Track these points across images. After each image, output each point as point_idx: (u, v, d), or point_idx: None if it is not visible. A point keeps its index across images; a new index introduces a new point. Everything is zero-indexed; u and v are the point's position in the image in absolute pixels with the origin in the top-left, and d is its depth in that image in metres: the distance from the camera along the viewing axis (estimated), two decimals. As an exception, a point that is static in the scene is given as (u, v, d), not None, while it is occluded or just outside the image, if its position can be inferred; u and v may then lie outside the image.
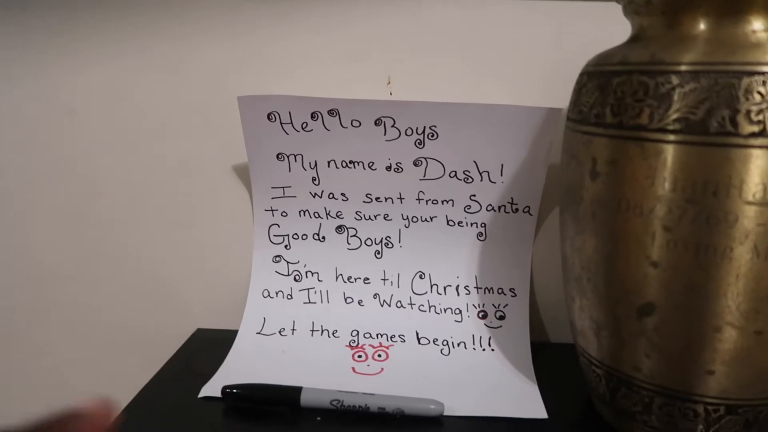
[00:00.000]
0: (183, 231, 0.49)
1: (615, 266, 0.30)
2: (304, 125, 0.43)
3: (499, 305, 0.46)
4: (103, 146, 0.47)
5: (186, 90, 0.46)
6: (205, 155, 0.47)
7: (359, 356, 0.44)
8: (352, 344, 0.45)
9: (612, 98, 0.29)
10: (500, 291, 0.46)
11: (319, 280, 0.48)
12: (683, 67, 0.27)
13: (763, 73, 0.25)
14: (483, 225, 0.46)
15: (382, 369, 0.43)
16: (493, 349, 0.44)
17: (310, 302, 0.47)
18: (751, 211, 0.26)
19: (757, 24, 0.27)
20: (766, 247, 0.26)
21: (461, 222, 0.46)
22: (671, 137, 0.27)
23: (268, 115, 0.43)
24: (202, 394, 0.39)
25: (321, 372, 0.42)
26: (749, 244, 0.26)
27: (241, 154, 0.45)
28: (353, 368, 0.43)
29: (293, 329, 0.46)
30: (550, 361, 0.44)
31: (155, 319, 0.51)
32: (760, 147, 0.25)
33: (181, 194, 0.48)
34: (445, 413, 0.37)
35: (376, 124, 0.43)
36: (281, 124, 0.43)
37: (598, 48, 0.33)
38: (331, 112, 0.42)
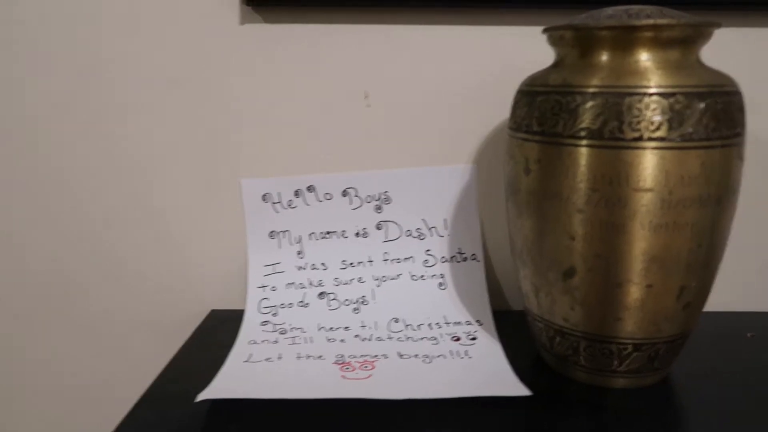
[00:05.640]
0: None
1: (545, 241, 0.39)
2: (290, 203, 0.49)
3: (468, 333, 0.48)
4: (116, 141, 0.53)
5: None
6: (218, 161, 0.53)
7: (347, 368, 0.44)
8: (338, 361, 0.44)
9: (537, 112, 0.38)
10: (468, 323, 0.49)
11: (303, 332, 0.49)
12: (589, 89, 0.36)
13: (640, 94, 0.34)
14: (441, 275, 0.50)
15: (370, 375, 0.42)
16: (471, 357, 0.45)
17: (294, 343, 0.47)
18: (637, 195, 0.35)
19: (641, 56, 0.36)
20: (649, 221, 0.35)
21: (423, 276, 0.51)
22: (579, 142, 0.36)
23: (263, 197, 0.48)
24: (199, 399, 0.38)
25: (311, 380, 0.41)
26: (638, 220, 0.35)
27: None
28: (342, 376, 0.42)
29: (279, 357, 0.45)
30: (510, 324, 0.50)
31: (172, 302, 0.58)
32: (640, 148, 0.34)
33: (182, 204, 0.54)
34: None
35: (343, 194, 0.49)
36: (272, 204, 0.49)
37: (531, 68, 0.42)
38: (309, 188, 0.48)
